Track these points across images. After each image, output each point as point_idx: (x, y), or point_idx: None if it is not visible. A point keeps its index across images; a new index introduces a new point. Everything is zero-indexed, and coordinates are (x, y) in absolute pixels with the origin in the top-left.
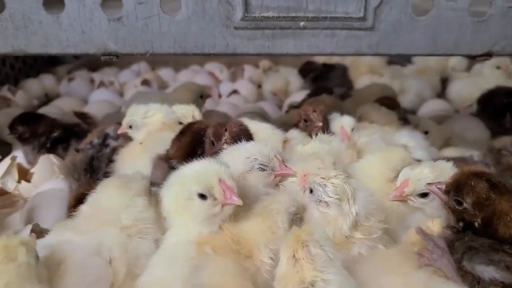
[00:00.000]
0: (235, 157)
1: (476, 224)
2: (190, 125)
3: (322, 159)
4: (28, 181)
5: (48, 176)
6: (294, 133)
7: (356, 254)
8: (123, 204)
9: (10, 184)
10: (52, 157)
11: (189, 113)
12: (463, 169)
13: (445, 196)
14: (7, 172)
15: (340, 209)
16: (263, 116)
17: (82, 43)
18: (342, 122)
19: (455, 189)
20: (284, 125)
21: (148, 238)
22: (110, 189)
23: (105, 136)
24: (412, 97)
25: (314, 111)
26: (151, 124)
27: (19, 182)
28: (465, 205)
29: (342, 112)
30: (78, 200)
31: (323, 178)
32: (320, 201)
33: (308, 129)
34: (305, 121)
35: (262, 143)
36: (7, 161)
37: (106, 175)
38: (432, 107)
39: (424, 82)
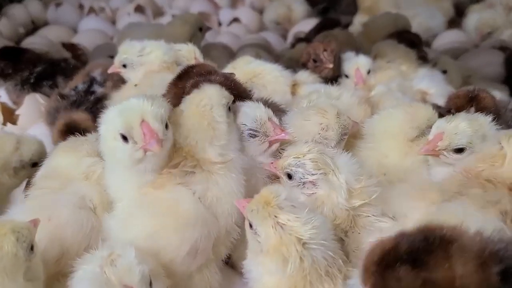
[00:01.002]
0: None
1: None
2: (189, 68)
3: (324, 110)
4: (14, 123)
5: (35, 118)
6: (304, 75)
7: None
8: (72, 165)
9: None
10: (38, 96)
11: (190, 54)
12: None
13: None
14: None
15: (329, 184)
16: (267, 49)
17: None
18: (357, 64)
19: None
20: (291, 62)
21: None
22: (59, 153)
23: (91, 81)
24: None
25: (325, 50)
26: (149, 63)
27: (4, 124)
28: None
29: (357, 49)
30: (64, 133)
31: (297, 157)
32: (304, 183)
33: (318, 70)
34: (315, 61)
35: (253, 104)
36: None
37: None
38: (448, 38)
39: (433, 10)
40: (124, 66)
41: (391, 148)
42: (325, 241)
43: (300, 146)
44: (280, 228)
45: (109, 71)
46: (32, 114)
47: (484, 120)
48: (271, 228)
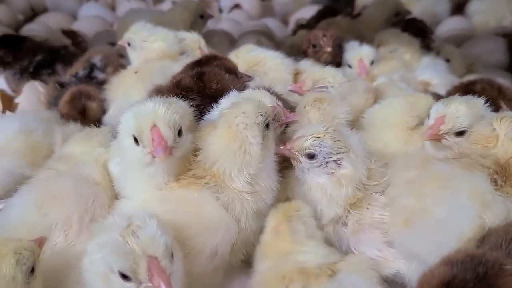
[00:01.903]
0: None
1: None
2: (211, 58)
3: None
4: (14, 111)
5: (34, 106)
6: (306, 64)
7: (368, 219)
8: (85, 153)
9: None
10: (37, 84)
11: (195, 44)
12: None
13: None
14: None
15: (352, 161)
16: (268, 36)
17: None
18: (360, 54)
19: None
20: (293, 48)
21: None
22: (74, 142)
23: (91, 67)
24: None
25: (324, 35)
26: (149, 51)
27: (3, 112)
28: None
29: (360, 36)
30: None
31: (317, 137)
32: (327, 162)
33: (317, 55)
34: (314, 46)
35: (258, 92)
36: None
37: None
38: (451, 25)
39: None
40: (129, 44)
41: (391, 136)
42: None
43: (314, 126)
44: (274, 232)
45: (119, 42)
46: (32, 102)
47: (479, 102)
48: (269, 228)
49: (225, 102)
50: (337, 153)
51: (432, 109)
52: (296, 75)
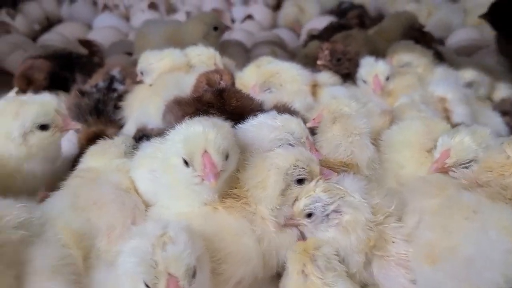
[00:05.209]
0: (262, 133)
1: None
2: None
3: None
4: None
5: None
6: (325, 76)
7: (395, 255)
8: (102, 166)
9: None
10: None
11: (210, 60)
12: None
13: None
14: None
15: (351, 204)
16: (281, 46)
17: None
18: (376, 70)
19: None
20: (308, 59)
21: None
22: (90, 156)
23: (111, 79)
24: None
25: (322, 48)
26: (159, 69)
27: None
28: None
29: (375, 49)
30: (89, 140)
31: (308, 195)
32: (327, 215)
33: (336, 68)
34: (338, 60)
35: (295, 120)
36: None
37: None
38: (461, 36)
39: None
40: (142, 73)
41: (407, 157)
42: None
43: (305, 187)
44: (301, 277)
45: (137, 79)
46: None
47: (485, 132)
48: (295, 272)
49: (256, 120)
50: (332, 202)
51: (438, 142)
52: (314, 87)
